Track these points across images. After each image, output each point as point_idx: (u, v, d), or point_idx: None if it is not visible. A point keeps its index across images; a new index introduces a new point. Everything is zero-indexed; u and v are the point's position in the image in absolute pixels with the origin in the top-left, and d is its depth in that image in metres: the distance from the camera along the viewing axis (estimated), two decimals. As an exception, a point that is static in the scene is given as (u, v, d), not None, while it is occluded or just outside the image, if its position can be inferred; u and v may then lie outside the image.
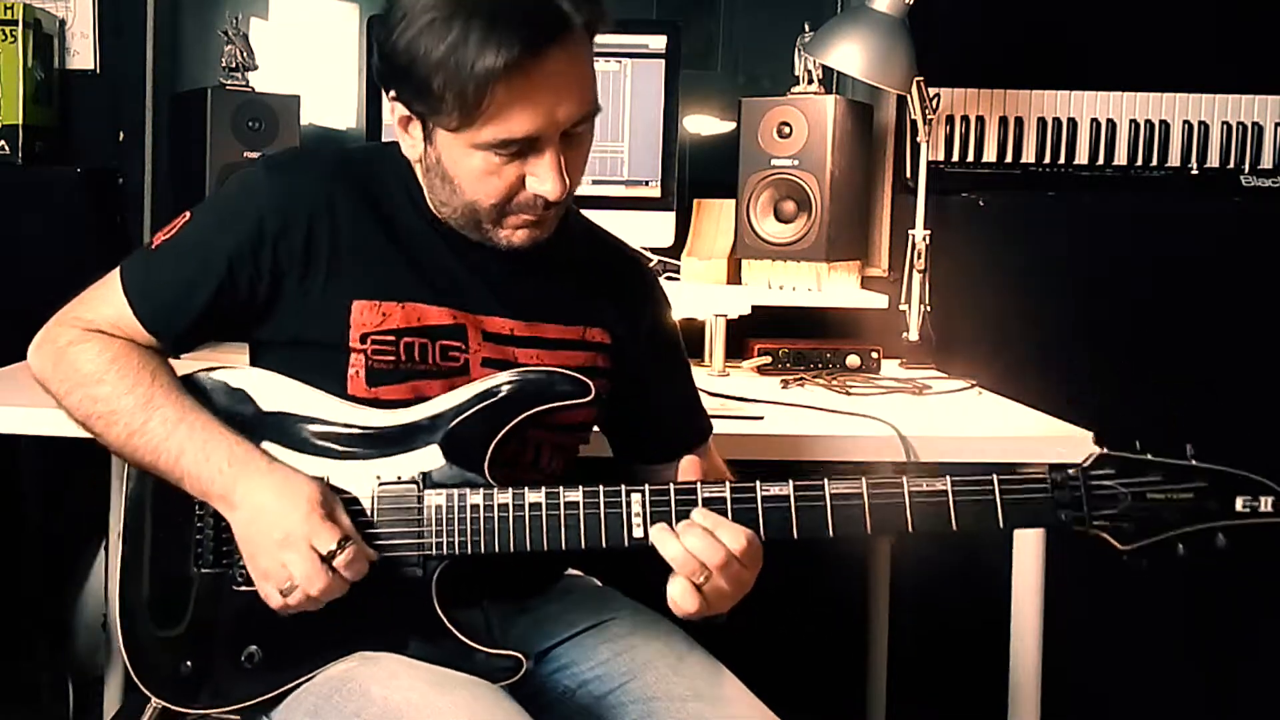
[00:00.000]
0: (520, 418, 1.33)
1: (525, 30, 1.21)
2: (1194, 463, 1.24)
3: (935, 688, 2.55)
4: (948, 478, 1.26)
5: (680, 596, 1.26)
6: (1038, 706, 1.82)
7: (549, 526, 1.30)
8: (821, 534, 1.27)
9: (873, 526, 1.26)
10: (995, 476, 1.25)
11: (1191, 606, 2.54)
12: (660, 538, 1.26)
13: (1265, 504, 1.22)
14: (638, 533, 1.28)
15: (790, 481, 1.27)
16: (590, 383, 1.35)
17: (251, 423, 1.35)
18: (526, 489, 1.31)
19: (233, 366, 1.40)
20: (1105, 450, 1.25)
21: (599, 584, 1.60)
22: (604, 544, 1.30)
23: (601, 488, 1.30)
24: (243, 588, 1.34)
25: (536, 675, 1.44)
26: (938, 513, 1.26)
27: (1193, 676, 2.57)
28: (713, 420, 1.60)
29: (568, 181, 1.30)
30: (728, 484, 1.28)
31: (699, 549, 1.25)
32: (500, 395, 1.34)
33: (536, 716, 1.29)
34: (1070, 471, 1.25)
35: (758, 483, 1.28)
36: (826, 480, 1.27)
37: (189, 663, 1.36)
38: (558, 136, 1.28)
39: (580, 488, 1.30)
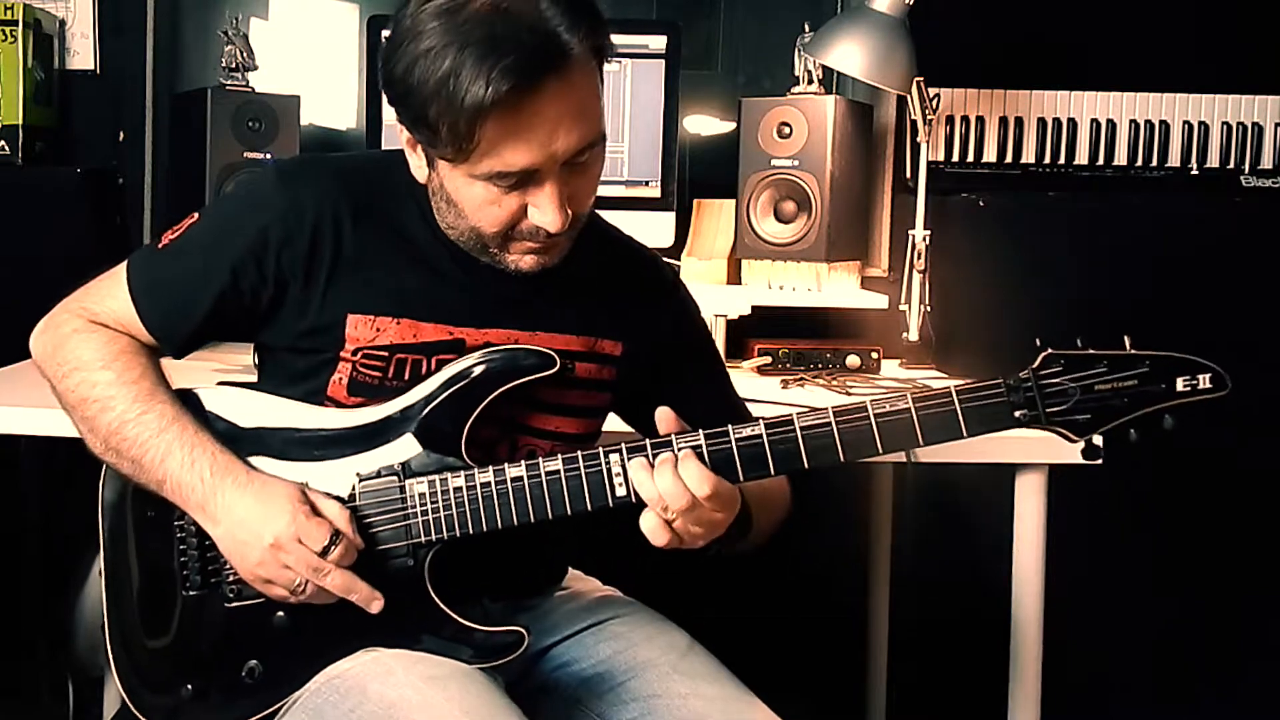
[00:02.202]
0: (492, 396, 1.33)
1: (520, 62, 1.18)
2: (1133, 351, 1.29)
3: (935, 684, 2.55)
4: (908, 395, 1.29)
5: (650, 530, 1.27)
6: (1038, 706, 1.82)
7: (533, 497, 1.31)
8: (796, 466, 1.30)
9: (845, 453, 1.29)
10: (952, 387, 1.29)
11: (1193, 600, 2.54)
12: (637, 475, 1.27)
13: (1204, 381, 1.28)
14: (620, 491, 1.30)
15: (761, 421, 1.30)
16: (556, 356, 1.34)
17: (227, 439, 1.35)
18: (507, 465, 1.31)
19: (207, 386, 1.40)
20: (1052, 350, 1.29)
21: (600, 583, 1.60)
22: (589, 507, 1.31)
23: (580, 453, 1.31)
24: (235, 603, 1.34)
25: (537, 673, 1.44)
26: (904, 430, 1.29)
27: (1194, 669, 2.57)
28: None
29: (569, 213, 1.29)
30: (701, 431, 1.29)
31: (666, 490, 1.26)
32: (469, 377, 1.33)
33: (536, 714, 1.29)
34: (1022, 374, 1.29)
35: (730, 426, 1.30)
36: (795, 415, 1.30)
37: (189, 686, 1.36)
38: (558, 168, 1.26)
39: (559, 456, 1.31)
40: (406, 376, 1.36)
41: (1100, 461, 1.31)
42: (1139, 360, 1.28)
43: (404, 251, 1.37)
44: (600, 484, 1.30)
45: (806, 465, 1.30)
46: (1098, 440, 1.29)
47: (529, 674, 1.42)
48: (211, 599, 1.35)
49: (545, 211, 1.28)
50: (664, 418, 1.31)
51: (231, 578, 1.34)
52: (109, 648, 1.39)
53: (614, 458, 1.30)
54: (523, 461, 1.31)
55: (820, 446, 1.29)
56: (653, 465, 1.27)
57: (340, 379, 1.35)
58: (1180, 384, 1.28)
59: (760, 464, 1.29)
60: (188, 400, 1.38)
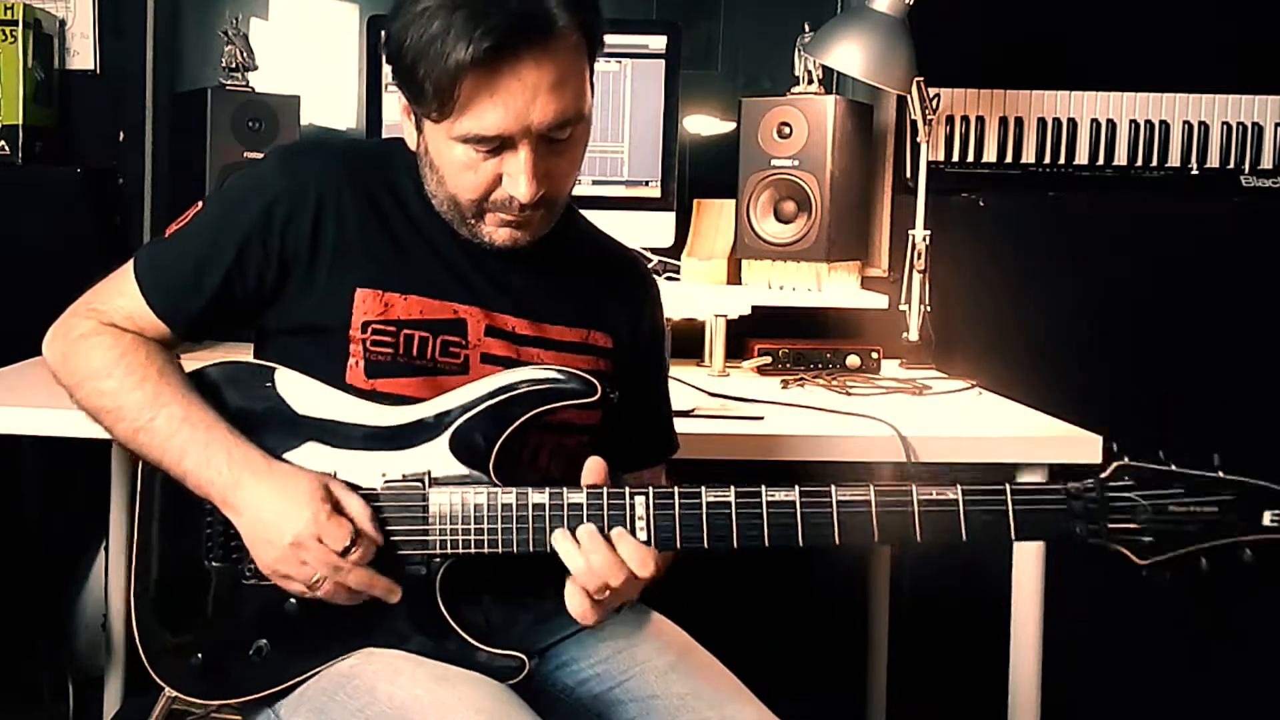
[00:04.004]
0: (526, 416, 1.33)
1: (503, 24, 1.22)
2: (1220, 474, 1.17)
3: (935, 687, 2.55)
4: (958, 486, 1.22)
5: (577, 608, 1.28)
6: (1038, 706, 1.82)
7: (552, 528, 1.30)
8: (827, 542, 1.25)
9: (880, 535, 1.24)
10: (1008, 486, 1.22)
11: (1194, 607, 2.54)
12: (564, 547, 1.27)
13: None
14: (641, 536, 1.28)
15: (796, 488, 1.26)
16: (597, 383, 1.35)
17: (262, 418, 1.35)
18: (530, 490, 1.30)
19: (245, 360, 1.40)
20: (1127, 461, 1.20)
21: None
22: None
23: (605, 490, 1.29)
24: (251, 581, 1.34)
25: (536, 673, 1.44)
26: (947, 523, 1.24)
27: (1195, 672, 2.57)
28: (713, 420, 1.59)
29: (538, 186, 1.30)
30: (733, 489, 1.27)
31: (600, 565, 1.26)
32: (510, 394, 1.33)
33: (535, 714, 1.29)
34: (1087, 483, 1.21)
35: (763, 487, 1.26)
36: (833, 487, 1.25)
37: (199, 654, 1.36)
38: (534, 139, 1.28)
39: (584, 490, 1.30)
40: (415, 353, 1.36)
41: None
42: (1224, 485, 1.16)
43: (407, 230, 1.39)
44: (621, 525, 1.28)
45: (838, 542, 1.25)
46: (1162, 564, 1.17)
47: (529, 674, 1.42)
48: (231, 573, 1.36)
49: (517, 181, 1.29)
50: (593, 469, 1.31)
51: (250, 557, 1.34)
52: (133, 602, 1.38)
53: (639, 500, 1.28)
54: (547, 490, 1.30)
55: (854, 526, 1.24)
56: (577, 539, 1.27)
57: (356, 362, 1.36)
58: (1268, 518, 1.15)
59: (789, 533, 1.25)
60: (206, 379, 1.37)
